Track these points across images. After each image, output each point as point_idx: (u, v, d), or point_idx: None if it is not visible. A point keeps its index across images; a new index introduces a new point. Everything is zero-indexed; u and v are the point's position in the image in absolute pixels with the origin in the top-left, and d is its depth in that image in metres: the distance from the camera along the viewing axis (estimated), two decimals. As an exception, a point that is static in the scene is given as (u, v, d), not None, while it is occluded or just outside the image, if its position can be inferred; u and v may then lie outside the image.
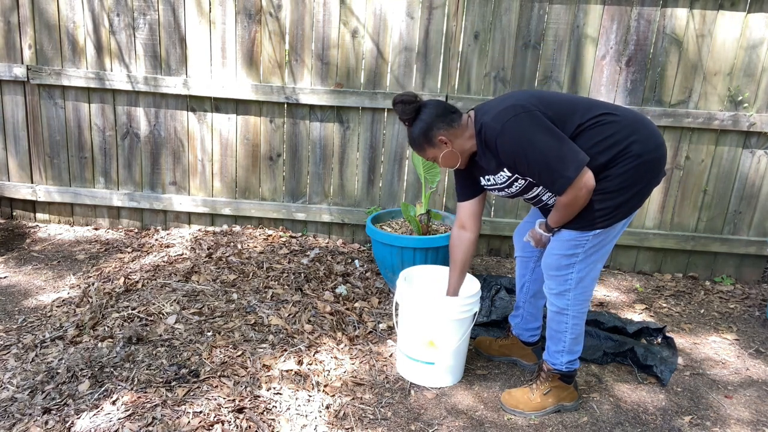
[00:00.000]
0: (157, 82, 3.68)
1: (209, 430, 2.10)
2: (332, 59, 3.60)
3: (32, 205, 4.05)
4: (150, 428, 2.09)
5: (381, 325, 2.93)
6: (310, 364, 2.54)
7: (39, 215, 4.07)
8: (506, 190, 2.18)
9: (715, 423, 2.38)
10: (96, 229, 4.01)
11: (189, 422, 2.12)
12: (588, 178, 1.96)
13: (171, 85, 3.68)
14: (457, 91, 3.57)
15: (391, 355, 2.71)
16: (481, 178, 2.22)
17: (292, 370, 2.48)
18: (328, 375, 2.50)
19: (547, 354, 2.36)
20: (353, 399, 2.37)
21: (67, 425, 2.10)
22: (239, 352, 2.56)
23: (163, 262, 3.38)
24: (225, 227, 3.91)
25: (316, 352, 2.64)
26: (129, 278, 3.17)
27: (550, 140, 1.94)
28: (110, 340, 2.60)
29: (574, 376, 2.37)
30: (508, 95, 2.11)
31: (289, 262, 3.45)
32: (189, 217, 3.98)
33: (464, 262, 2.37)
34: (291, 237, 3.85)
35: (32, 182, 3.97)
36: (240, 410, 2.21)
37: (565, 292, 2.20)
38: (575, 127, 1.99)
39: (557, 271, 2.18)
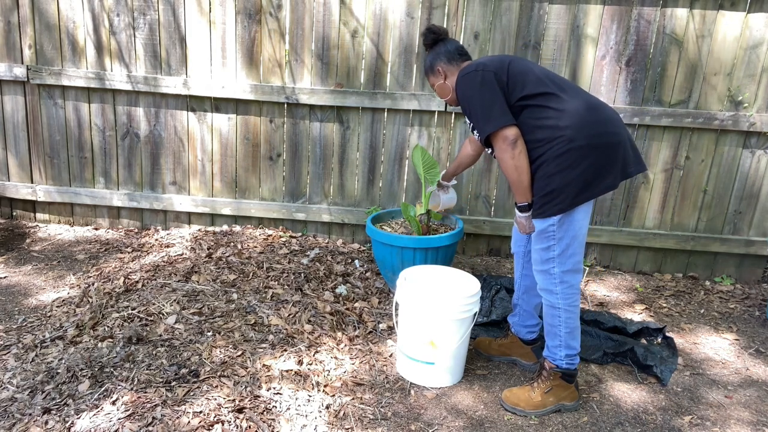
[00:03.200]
0: (157, 82, 3.68)
1: (209, 430, 2.10)
2: (332, 59, 3.60)
3: (32, 205, 4.05)
4: (150, 428, 2.09)
5: (381, 325, 2.93)
6: (310, 364, 2.54)
7: (39, 215, 4.07)
8: (473, 133, 2.44)
9: (715, 423, 2.38)
10: (96, 229, 4.01)
11: (189, 422, 2.12)
12: (507, 134, 2.16)
13: (171, 85, 3.68)
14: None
15: (391, 355, 2.71)
16: None
17: (292, 370, 2.48)
18: (328, 375, 2.50)
19: (547, 350, 2.38)
20: (353, 399, 2.37)
21: (67, 425, 2.10)
22: (239, 352, 2.56)
23: (163, 262, 3.38)
24: (225, 227, 3.92)
25: (316, 352, 2.64)
26: (129, 278, 3.17)
27: (486, 99, 2.19)
28: (110, 340, 2.60)
29: (575, 376, 2.37)
30: (495, 56, 2.34)
31: (289, 262, 3.45)
32: (189, 217, 3.98)
33: (462, 163, 2.83)
34: (291, 237, 3.85)
35: (32, 182, 3.97)
36: (240, 410, 2.21)
37: (552, 287, 2.28)
38: (519, 97, 2.18)
39: (541, 266, 2.28)
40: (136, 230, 3.99)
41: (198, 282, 3.14)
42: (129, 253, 3.59)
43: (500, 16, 3.45)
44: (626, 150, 2.20)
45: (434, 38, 2.42)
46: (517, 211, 2.33)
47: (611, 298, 3.41)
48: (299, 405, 2.29)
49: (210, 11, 3.59)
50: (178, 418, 2.14)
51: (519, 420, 2.33)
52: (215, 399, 2.25)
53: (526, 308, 2.59)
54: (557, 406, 2.37)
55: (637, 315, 3.22)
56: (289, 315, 2.89)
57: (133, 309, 2.84)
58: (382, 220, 3.45)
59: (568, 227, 2.20)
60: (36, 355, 2.50)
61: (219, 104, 3.74)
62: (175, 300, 2.93)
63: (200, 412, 2.17)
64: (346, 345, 2.73)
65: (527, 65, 2.25)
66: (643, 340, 2.88)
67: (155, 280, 3.15)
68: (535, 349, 2.66)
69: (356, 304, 3.08)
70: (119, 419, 2.12)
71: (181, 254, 3.48)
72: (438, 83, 2.43)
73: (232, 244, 3.63)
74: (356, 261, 3.58)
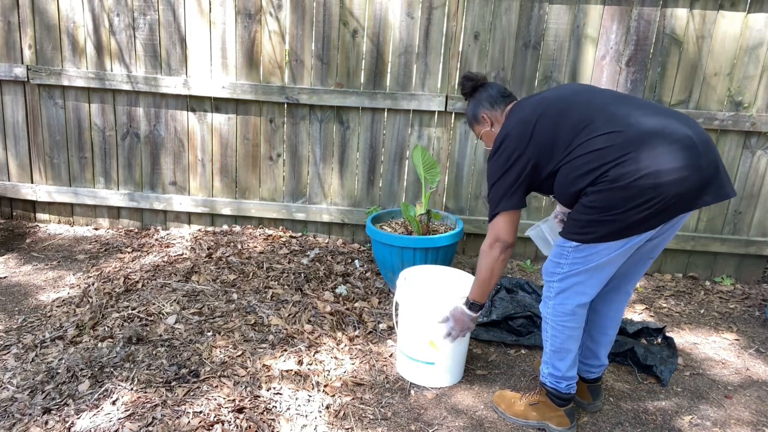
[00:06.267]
0: (158, 82, 3.68)
1: (209, 430, 2.10)
2: (332, 59, 3.60)
3: (32, 205, 4.05)
4: (150, 428, 2.09)
5: (381, 325, 2.93)
6: (310, 364, 2.54)
7: (39, 215, 4.07)
8: None
9: (715, 423, 2.38)
10: (96, 229, 4.01)
11: (189, 422, 2.12)
12: (502, 230, 2.11)
13: (171, 85, 3.68)
14: (458, 91, 3.57)
15: (391, 355, 2.71)
16: None
17: (292, 370, 2.48)
18: (328, 375, 2.50)
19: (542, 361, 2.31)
20: (353, 399, 2.37)
21: (67, 425, 2.10)
22: (239, 352, 2.56)
23: (163, 262, 3.38)
24: (225, 227, 3.92)
25: (316, 352, 2.64)
26: (129, 278, 3.17)
27: (503, 180, 2.08)
28: (110, 340, 2.60)
29: (565, 400, 2.23)
30: (521, 119, 2.09)
31: (289, 262, 3.45)
32: (189, 217, 3.98)
33: None
34: (291, 237, 3.85)
35: (32, 182, 3.97)
36: (240, 410, 2.21)
37: (547, 300, 2.18)
38: (560, 160, 1.99)
39: (546, 277, 2.17)
40: (136, 230, 3.99)
41: (198, 282, 3.14)
42: (129, 253, 3.59)
43: (500, 16, 3.44)
44: (691, 185, 1.87)
45: (473, 85, 2.30)
46: (463, 306, 2.26)
47: (611, 298, 3.41)
48: (299, 405, 2.29)
49: (210, 11, 3.59)
50: (178, 418, 2.14)
51: (520, 420, 2.32)
52: (215, 399, 2.25)
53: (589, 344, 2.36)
54: (540, 424, 2.27)
55: (637, 315, 3.22)
56: (289, 315, 2.89)
57: (133, 309, 2.84)
58: (382, 220, 3.45)
59: (584, 256, 2.02)
60: (36, 355, 2.50)
61: (219, 104, 3.74)
62: (175, 300, 2.93)
63: (200, 412, 2.17)
64: (346, 345, 2.73)
65: (557, 117, 2.01)
66: (643, 340, 2.88)
67: (155, 280, 3.15)
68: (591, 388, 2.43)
69: (356, 304, 3.08)
70: (119, 419, 2.12)
71: (181, 254, 3.49)
72: (484, 131, 2.29)
73: (232, 244, 3.63)
74: (356, 261, 3.58)
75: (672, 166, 1.85)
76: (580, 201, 1.99)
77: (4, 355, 2.53)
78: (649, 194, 1.86)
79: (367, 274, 3.43)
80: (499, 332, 2.88)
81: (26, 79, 3.74)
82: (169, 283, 3.10)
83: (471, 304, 2.27)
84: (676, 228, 2.09)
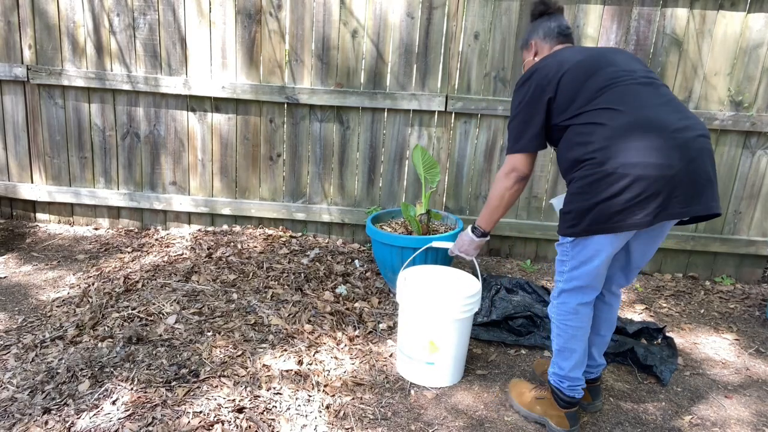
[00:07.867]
0: (158, 82, 3.68)
1: (209, 430, 2.10)
2: (332, 59, 3.60)
3: (32, 205, 4.05)
4: (150, 428, 2.09)
5: (381, 325, 2.93)
6: (310, 364, 2.54)
7: (39, 215, 4.07)
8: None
9: (715, 423, 2.38)
10: (96, 228, 4.01)
11: (189, 422, 2.12)
12: (520, 166, 2.14)
13: (171, 85, 3.68)
14: (457, 91, 3.57)
15: (391, 355, 2.71)
16: None
17: (292, 370, 2.48)
18: (328, 375, 2.50)
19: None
20: (353, 399, 2.37)
21: (67, 425, 2.10)
22: (239, 352, 2.56)
23: (163, 262, 3.38)
24: (225, 227, 3.92)
25: (316, 352, 2.64)
26: (129, 278, 3.17)
27: (523, 114, 2.10)
28: (110, 340, 2.60)
29: (567, 402, 2.21)
30: (561, 57, 2.09)
31: (289, 262, 3.45)
32: (189, 217, 3.98)
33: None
34: (291, 237, 3.85)
35: (32, 182, 3.97)
36: (240, 410, 2.21)
37: (552, 299, 2.21)
38: (563, 120, 2.04)
39: (557, 276, 2.19)
40: (136, 230, 3.99)
41: (198, 282, 3.14)
42: (129, 253, 3.59)
43: (500, 16, 3.45)
44: (676, 186, 1.86)
45: (542, 11, 2.25)
46: (468, 230, 2.32)
47: (611, 298, 3.41)
48: (299, 405, 2.29)
49: (210, 11, 3.59)
50: (178, 418, 2.14)
51: (519, 421, 2.33)
52: (215, 399, 2.25)
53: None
54: (541, 418, 2.28)
55: (637, 315, 3.22)
56: (289, 315, 2.89)
57: (133, 309, 2.84)
58: (382, 220, 3.45)
59: (581, 251, 2.04)
60: (36, 355, 2.50)
61: (219, 104, 3.74)
62: (175, 300, 2.93)
63: (200, 412, 2.17)
64: (346, 345, 2.73)
65: (585, 74, 2.00)
66: (643, 340, 2.88)
67: (155, 280, 3.15)
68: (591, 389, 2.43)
69: (356, 304, 3.08)
70: (119, 419, 2.12)
71: (181, 254, 3.49)
72: (528, 60, 2.27)
73: (232, 244, 3.63)
74: (356, 261, 3.58)
75: (656, 161, 1.85)
76: (569, 190, 2.02)
77: (4, 355, 2.53)
78: (627, 182, 1.86)
79: (367, 274, 3.43)
80: (499, 332, 2.88)
81: (26, 79, 3.74)
82: (169, 283, 3.10)
83: (474, 228, 2.32)
84: (660, 237, 2.11)
